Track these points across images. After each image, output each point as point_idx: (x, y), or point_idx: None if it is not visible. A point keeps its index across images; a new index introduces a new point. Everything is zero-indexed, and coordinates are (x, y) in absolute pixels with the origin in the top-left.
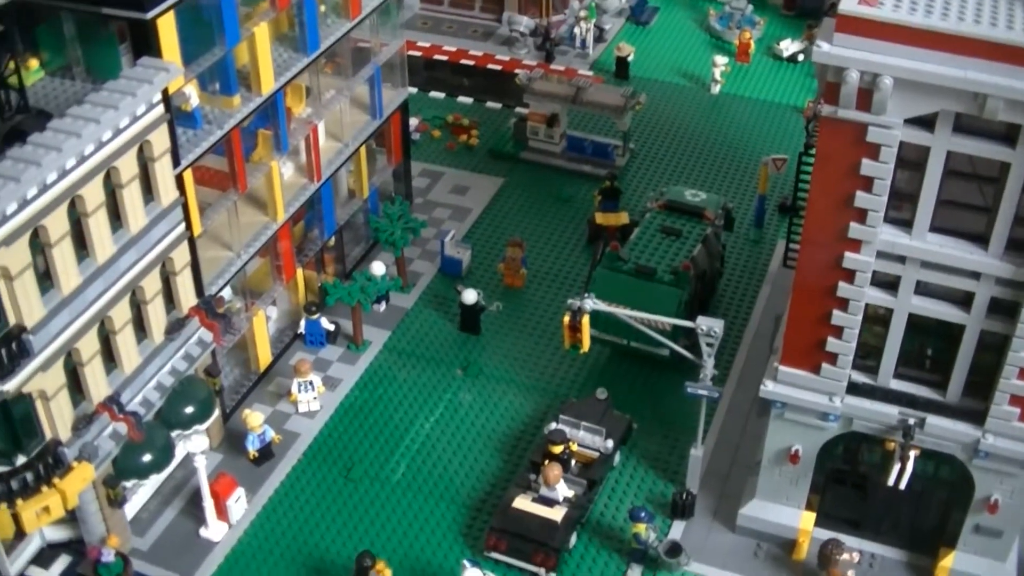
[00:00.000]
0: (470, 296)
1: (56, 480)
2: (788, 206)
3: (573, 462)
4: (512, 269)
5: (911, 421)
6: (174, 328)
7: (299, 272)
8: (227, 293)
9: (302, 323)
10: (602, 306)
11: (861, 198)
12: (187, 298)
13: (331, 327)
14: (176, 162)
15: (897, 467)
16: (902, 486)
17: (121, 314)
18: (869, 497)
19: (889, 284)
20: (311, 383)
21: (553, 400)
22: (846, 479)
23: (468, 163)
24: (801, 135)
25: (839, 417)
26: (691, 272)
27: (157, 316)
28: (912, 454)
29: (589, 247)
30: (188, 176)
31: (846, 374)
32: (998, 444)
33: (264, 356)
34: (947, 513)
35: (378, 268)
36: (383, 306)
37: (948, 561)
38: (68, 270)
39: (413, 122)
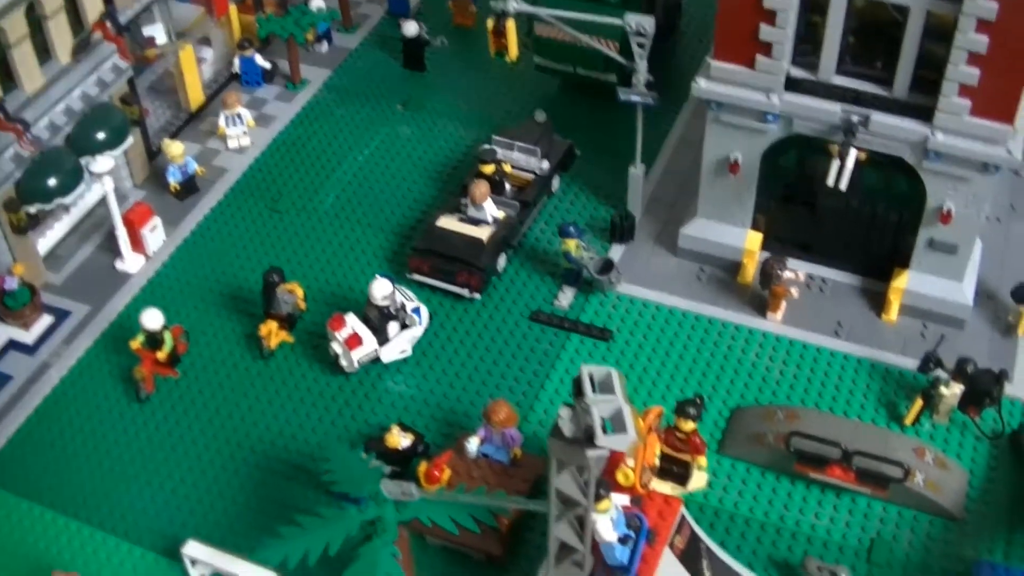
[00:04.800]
0: (411, 28)
1: None
2: None
3: (508, 186)
4: (462, 7)
5: (854, 118)
6: (81, 48)
7: (233, 10)
8: (159, 36)
9: (236, 61)
10: (527, 7)
11: None
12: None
13: (267, 65)
14: None
15: (837, 165)
16: (843, 187)
17: (16, 27)
18: (819, 217)
19: None
20: (239, 116)
21: (496, 131)
22: (794, 197)
23: None
24: None
25: (778, 117)
26: None
27: (61, 35)
28: (853, 152)
29: None
30: None
31: (783, 67)
32: (948, 142)
33: (195, 95)
34: (900, 235)
35: (316, 1)
36: (325, 46)
37: (901, 282)
38: None
39: None
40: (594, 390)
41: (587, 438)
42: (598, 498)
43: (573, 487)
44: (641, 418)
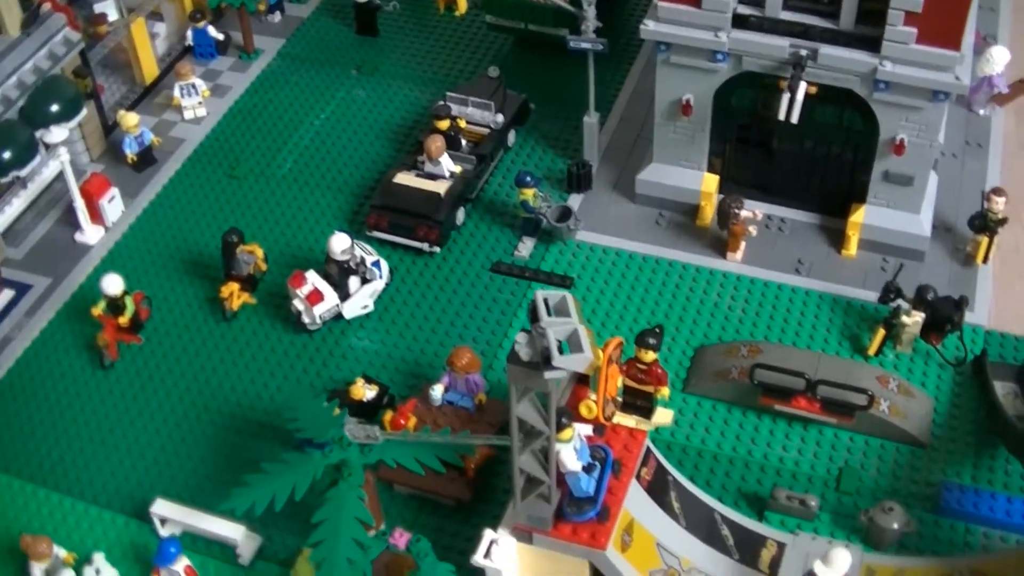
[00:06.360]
0: None
1: None
2: None
3: (464, 141)
4: None
5: (803, 53)
6: (30, 22)
7: None
8: (111, 12)
9: (189, 34)
10: None
11: None
12: None
13: (220, 36)
14: None
15: (787, 98)
16: (794, 120)
17: None
18: (775, 158)
19: None
20: (194, 86)
21: (450, 88)
22: (749, 138)
23: None
24: None
25: (728, 56)
26: None
27: (9, 7)
28: (803, 84)
29: None
30: None
31: (729, 5)
32: (897, 71)
33: (149, 69)
34: (856, 171)
35: None
36: (278, 16)
37: (859, 216)
38: None
39: None
40: (549, 314)
41: (544, 360)
42: (560, 427)
43: (535, 415)
44: (601, 349)
